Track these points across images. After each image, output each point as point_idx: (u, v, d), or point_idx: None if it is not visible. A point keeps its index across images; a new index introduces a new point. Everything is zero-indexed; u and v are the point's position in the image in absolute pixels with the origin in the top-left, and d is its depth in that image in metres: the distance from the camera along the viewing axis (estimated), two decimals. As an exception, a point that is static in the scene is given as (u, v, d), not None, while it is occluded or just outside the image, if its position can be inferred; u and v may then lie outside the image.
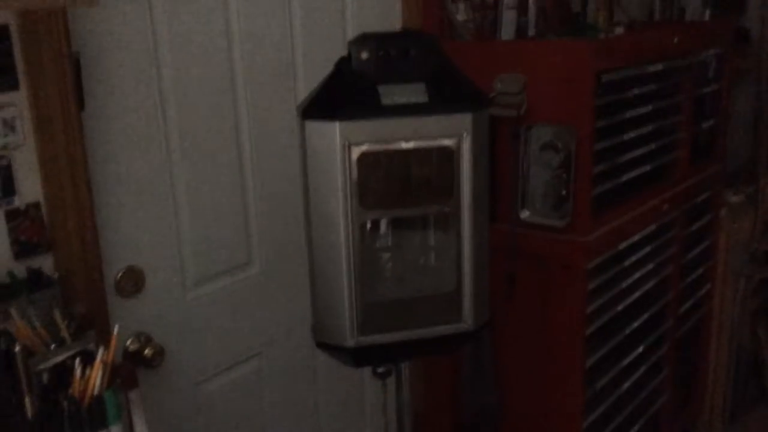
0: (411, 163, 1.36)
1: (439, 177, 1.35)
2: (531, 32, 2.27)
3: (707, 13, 2.97)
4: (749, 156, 3.07)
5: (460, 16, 2.06)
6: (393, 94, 1.24)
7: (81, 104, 1.31)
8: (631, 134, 2.01)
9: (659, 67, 2.06)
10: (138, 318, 1.53)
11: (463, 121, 1.27)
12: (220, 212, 1.66)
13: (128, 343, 1.51)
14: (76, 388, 1.12)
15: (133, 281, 1.50)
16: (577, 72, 1.77)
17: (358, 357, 1.35)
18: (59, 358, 1.14)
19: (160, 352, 1.54)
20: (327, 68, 1.28)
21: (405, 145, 1.26)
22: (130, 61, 1.43)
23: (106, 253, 1.42)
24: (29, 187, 1.28)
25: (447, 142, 1.27)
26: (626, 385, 2.19)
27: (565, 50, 1.80)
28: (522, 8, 2.25)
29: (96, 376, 1.12)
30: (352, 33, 1.85)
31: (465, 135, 1.27)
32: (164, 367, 1.58)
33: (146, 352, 1.52)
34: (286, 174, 1.75)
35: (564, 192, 1.86)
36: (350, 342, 1.32)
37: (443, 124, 1.26)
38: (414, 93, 1.25)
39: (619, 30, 2.32)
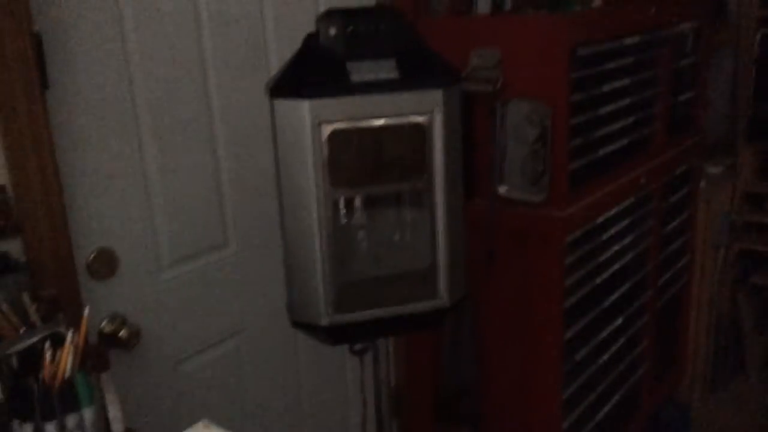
0: (382, 140, 1.35)
1: (411, 154, 1.34)
2: (508, 6, 2.25)
3: (686, -16, 2.96)
4: (728, 128, 3.08)
5: (435, -9, 2.04)
6: (362, 71, 1.23)
7: (45, 84, 1.28)
8: (608, 108, 2.00)
9: (636, 40, 2.05)
10: (113, 300, 1.52)
11: (434, 97, 1.26)
12: (194, 192, 1.64)
13: (103, 325, 1.50)
14: (46, 371, 1.11)
15: (106, 263, 1.48)
16: (552, 46, 1.76)
17: (333, 335, 1.36)
18: (29, 342, 1.13)
19: (136, 334, 1.53)
20: (300, 45, 1.27)
21: (376, 123, 1.25)
22: (96, 40, 1.41)
23: (76, 235, 1.40)
24: (-6, 170, 1.26)
25: (418, 118, 1.27)
26: (606, 356, 2.21)
27: (540, 24, 1.79)
28: (499, -19, 2.22)
29: (66, 358, 1.11)
30: (324, 8, 1.83)
31: (436, 111, 1.26)
32: (141, 349, 1.57)
33: (122, 333, 1.51)
34: (260, 153, 1.74)
35: (541, 167, 1.86)
36: (325, 320, 1.32)
37: (414, 100, 1.25)
38: (384, 69, 1.24)
39: (597, 2, 2.31)
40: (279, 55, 1.74)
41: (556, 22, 1.78)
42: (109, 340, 1.50)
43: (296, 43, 1.29)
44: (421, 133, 1.27)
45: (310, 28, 1.28)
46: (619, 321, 2.25)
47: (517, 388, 2.06)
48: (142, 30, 1.49)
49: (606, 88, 1.98)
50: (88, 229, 1.45)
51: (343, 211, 1.39)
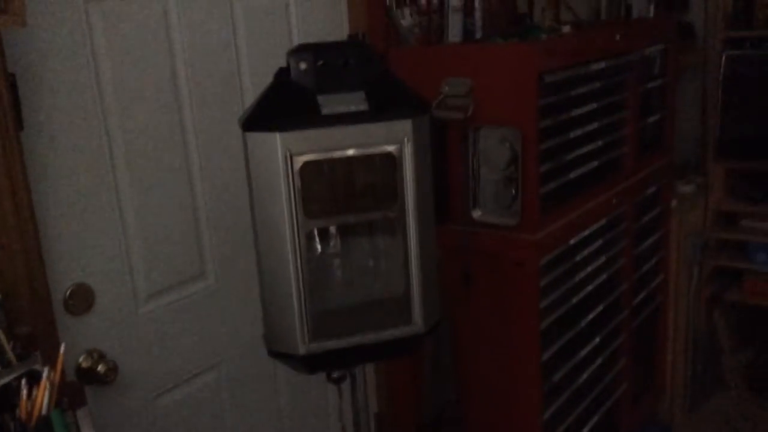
0: (354, 170, 1.38)
1: (382, 183, 1.37)
2: (478, 34, 2.30)
3: (651, 9, 3.03)
4: (697, 147, 3.15)
5: (406, 22, 2.08)
6: (333, 104, 1.26)
7: (20, 124, 1.30)
8: (578, 132, 2.05)
9: (602, 65, 2.10)
10: (90, 335, 1.52)
11: (404, 127, 1.29)
12: (170, 225, 1.66)
13: (80, 360, 1.50)
14: (22, 409, 1.11)
15: (83, 299, 1.49)
16: (520, 73, 1.80)
17: (310, 364, 1.37)
18: (5, 380, 1.14)
19: (113, 368, 1.53)
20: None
21: (347, 153, 1.28)
22: (70, 78, 1.43)
23: (52, 272, 1.41)
24: (-30, 209, 1.27)
25: (389, 148, 1.29)
26: (584, 376, 2.23)
27: (508, 53, 1.83)
28: (468, 10, 2.28)
29: (42, 396, 1.11)
30: (298, 40, 1.86)
31: (406, 141, 1.29)
32: (119, 383, 1.57)
33: (99, 368, 1.51)
34: (236, 184, 1.76)
35: (513, 191, 1.89)
36: (302, 349, 1.33)
37: (384, 131, 1.28)
38: (354, 101, 1.27)
39: (566, 29, 2.36)
40: (253, 85, 1.77)
41: (524, 50, 1.83)
42: (87, 375, 1.50)
43: (269, 74, 1.32)
44: (392, 162, 1.30)
45: (284, 58, 1.31)
46: (596, 341, 2.27)
47: (496, 409, 2.07)
48: (116, 68, 1.51)
49: (575, 112, 2.02)
50: (64, 266, 1.45)
51: (317, 240, 1.41)
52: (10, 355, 1.19)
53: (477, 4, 2.29)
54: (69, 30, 1.42)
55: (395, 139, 1.28)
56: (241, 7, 1.74)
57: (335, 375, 1.47)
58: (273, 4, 1.82)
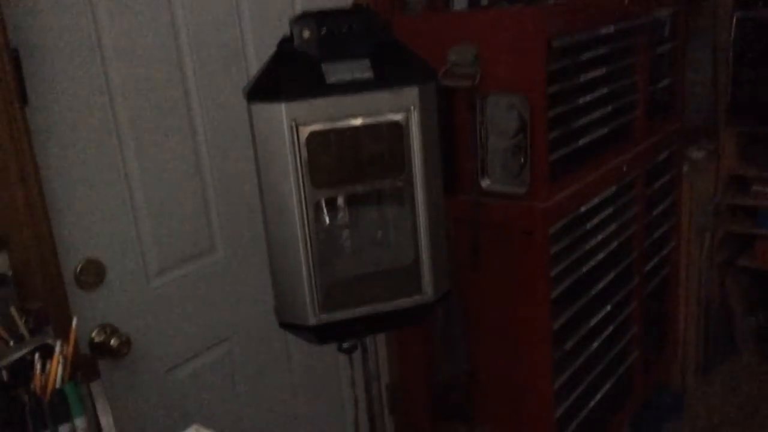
0: (361, 139, 1.37)
1: (390, 152, 1.36)
2: (484, 2, 2.27)
3: (661, -28, 2.98)
4: (709, 112, 3.11)
5: (411, -11, 2.05)
6: (337, 72, 1.24)
7: (24, 99, 1.29)
8: (587, 98, 2.02)
9: (611, 29, 2.07)
10: (102, 309, 1.53)
11: (410, 95, 1.27)
12: (179, 199, 1.65)
13: (93, 335, 1.51)
14: (37, 383, 1.12)
15: (94, 273, 1.49)
16: (527, 39, 1.77)
17: (321, 334, 1.37)
18: (18, 355, 1.14)
19: (126, 342, 1.54)
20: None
21: (353, 122, 1.26)
22: (74, 53, 1.42)
23: (62, 246, 1.41)
24: (-23, 186, 1.27)
25: (395, 117, 1.28)
26: (595, 344, 2.23)
27: (514, 17, 1.80)
28: (474, -23, 2.24)
29: (56, 369, 1.12)
30: (301, 11, 1.84)
31: (412, 109, 1.28)
32: (132, 357, 1.58)
33: (112, 342, 1.52)
34: (244, 157, 1.75)
35: (522, 159, 1.88)
36: (312, 320, 1.33)
37: (390, 99, 1.26)
38: (359, 69, 1.25)
39: (572, -6, 2.33)
40: (258, 57, 1.75)
41: (531, 14, 1.80)
42: (100, 349, 1.51)
43: (274, 45, 1.31)
44: (398, 130, 1.28)
45: (288, 29, 1.29)
46: (607, 309, 2.27)
47: (508, 379, 2.08)
48: (120, 41, 1.50)
49: (583, 78, 2.00)
50: (74, 240, 1.46)
51: (325, 211, 1.40)
52: (23, 329, 1.20)
53: (483, -30, 2.25)
54: (72, 4, 1.40)
55: (402, 107, 1.27)
56: (243, -22, 1.72)
57: (346, 345, 1.47)
58: (276, -26, 1.80)
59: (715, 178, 3.02)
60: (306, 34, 1.25)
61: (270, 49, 1.30)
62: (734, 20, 2.87)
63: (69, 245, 1.45)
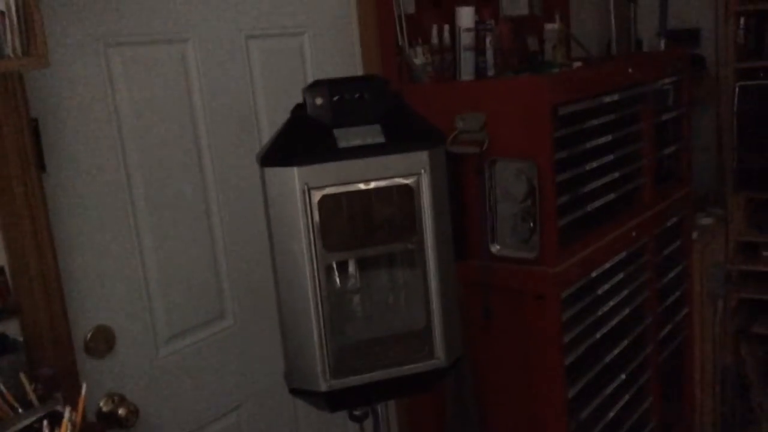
0: (372, 203, 1.38)
1: (401, 215, 1.36)
2: (490, 72, 2.32)
3: (662, 43, 3.06)
4: (715, 179, 3.13)
5: (418, 60, 2.11)
6: (349, 137, 1.26)
7: (42, 167, 1.32)
8: (594, 164, 2.04)
9: (615, 97, 2.11)
10: (110, 378, 1.51)
11: (420, 158, 1.29)
12: (190, 267, 1.66)
13: (101, 404, 1.49)
14: (44, 451, 1.10)
15: (103, 340, 1.48)
16: (534, 106, 1.81)
17: (332, 401, 1.34)
18: (26, 422, 1.13)
19: (134, 412, 1.52)
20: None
21: (364, 186, 1.28)
22: (90, 122, 1.45)
23: (73, 313, 1.41)
24: (-8, 252, 1.28)
25: (406, 180, 1.29)
26: (611, 414, 2.18)
27: (521, 86, 1.85)
28: (480, 49, 2.30)
29: (64, 437, 1.10)
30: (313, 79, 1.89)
31: (423, 172, 1.29)
32: (140, 427, 1.55)
33: (120, 412, 1.50)
34: (255, 224, 1.76)
35: (531, 224, 1.88)
36: (323, 386, 1.31)
37: (400, 162, 1.28)
38: (370, 134, 1.27)
39: (577, 65, 2.38)
40: (270, 125, 1.79)
41: (537, 83, 1.84)
42: (108, 419, 1.49)
43: (286, 113, 1.33)
44: (409, 194, 1.30)
45: (299, 98, 1.32)
46: (622, 377, 2.23)
47: (523, 449, 2.02)
48: (136, 111, 1.53)
49: (590, 144, 2.02)
50: (86, 307, 1.46)
51: (336, 275, 1.40)
52: (32, 396, 1.19)
53: (488, 42, 2.32)
54: (89, 75, 1.45)
55: (412, 171, 1.28)
56: (257, 50, 1.77)
57: (357, 412, 1.44)
58: (288, 46, 1.85)
59: (725, 244, 3.01)
60: (319, 101, 1.28)
61: (280, 116, 1.33)
62: (737, 89, 2.92)
63: (80, 311, 1.44)
